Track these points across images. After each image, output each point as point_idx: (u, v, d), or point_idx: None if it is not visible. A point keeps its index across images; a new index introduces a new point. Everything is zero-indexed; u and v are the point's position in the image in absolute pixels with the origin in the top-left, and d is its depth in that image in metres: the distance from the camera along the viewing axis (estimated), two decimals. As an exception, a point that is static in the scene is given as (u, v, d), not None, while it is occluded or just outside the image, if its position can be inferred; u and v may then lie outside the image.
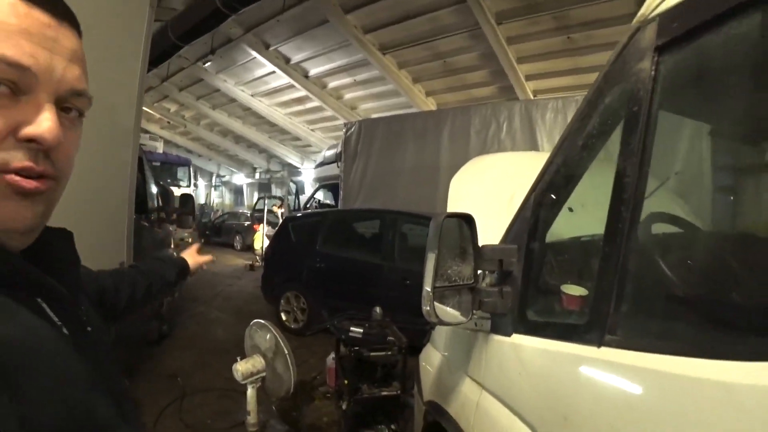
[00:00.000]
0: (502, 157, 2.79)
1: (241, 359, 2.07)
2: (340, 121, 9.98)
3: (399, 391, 2.60)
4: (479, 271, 1.31)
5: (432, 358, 1.84)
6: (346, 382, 2.61)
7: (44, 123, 0.42)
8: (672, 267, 0.87)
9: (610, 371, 0.82)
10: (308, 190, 13.37)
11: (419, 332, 2.35)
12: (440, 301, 1.27)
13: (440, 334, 1.83)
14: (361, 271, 4.95)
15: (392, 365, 2.67)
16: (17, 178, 0.42)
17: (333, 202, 9.22)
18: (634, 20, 0.90)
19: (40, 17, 0.42)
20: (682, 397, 0.66)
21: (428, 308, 1.20)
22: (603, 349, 0.85)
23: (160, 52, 8.42)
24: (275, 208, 12.43)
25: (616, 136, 0.94)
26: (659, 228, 1.07)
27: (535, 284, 1.21)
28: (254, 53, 9.80)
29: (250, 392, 2.04)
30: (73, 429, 0.41)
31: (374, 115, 9.97)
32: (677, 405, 0.66)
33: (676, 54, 0.81)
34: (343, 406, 2.58)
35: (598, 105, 1.04)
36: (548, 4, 6.41)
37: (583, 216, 1.19)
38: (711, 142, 1.14)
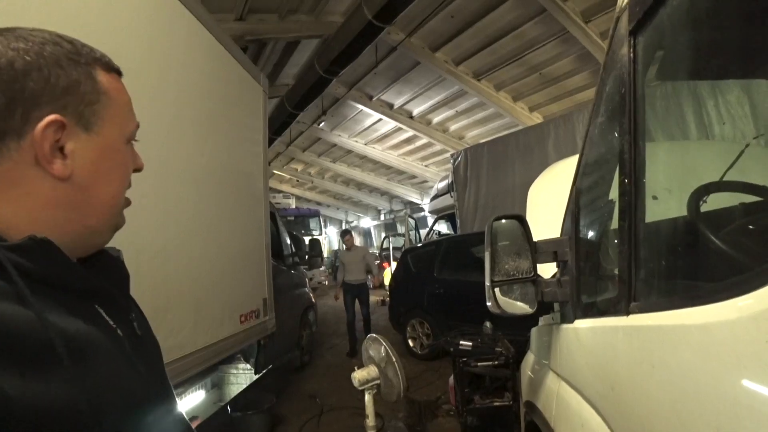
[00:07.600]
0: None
1: (359, 369, 2.37)
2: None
3: (511, 402, 2.60)
4: (538, 264, 1.40)
5: (528, 361, 1.90)
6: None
7: (141, 159, 0.60)
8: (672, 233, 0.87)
9: (636, 335, 0.87)
10: (430, 224, 13.67)
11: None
12: (507, 295, 1.40)
13: (533, 336, 1.88)
14: (474, 292, 5.00)
15: (505, 378, 2.69)
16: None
17: (453, 232, 9.35)
18: (615, 12, 1.00)
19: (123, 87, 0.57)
20: (675, 346, 0.68)
21: (490, 300, 1.35)
22: (630, 316, 0.91)
23: (281, 122, 9.59)
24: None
25: (616, 121, 1.01)
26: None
27: (585, 271, 1.26)
28: (360, 106, 10.76)
29: (368, 398, 2.30)
30: (128, 412, 0.46)
31: (483, 140, 10.03)
32: (671, 355, 0.66)
33: (645, 34, 0.89)
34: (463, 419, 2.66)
35: (602, 95, 1.12)
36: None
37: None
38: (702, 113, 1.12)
